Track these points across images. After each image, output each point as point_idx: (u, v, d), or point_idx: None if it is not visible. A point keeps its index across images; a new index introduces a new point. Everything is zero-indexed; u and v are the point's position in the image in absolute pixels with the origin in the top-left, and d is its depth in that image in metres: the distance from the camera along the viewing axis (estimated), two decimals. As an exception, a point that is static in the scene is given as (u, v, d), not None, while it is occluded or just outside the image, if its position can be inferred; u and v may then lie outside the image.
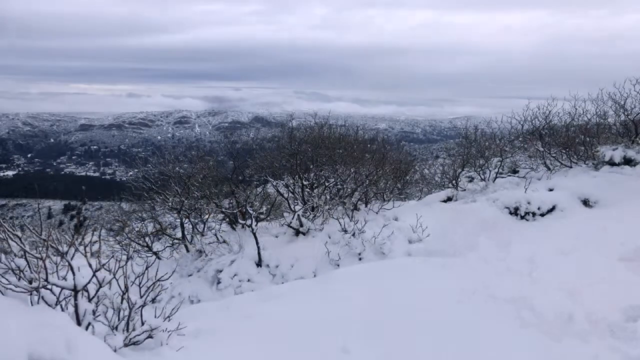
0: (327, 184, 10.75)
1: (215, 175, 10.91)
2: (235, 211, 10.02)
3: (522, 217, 9.04)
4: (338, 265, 8.00)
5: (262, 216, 9.85)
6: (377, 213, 10.34)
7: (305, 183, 10.24)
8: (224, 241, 9.06)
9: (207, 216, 10.63)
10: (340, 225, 8.79)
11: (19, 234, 4.05)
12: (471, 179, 12.92)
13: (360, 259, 8.14)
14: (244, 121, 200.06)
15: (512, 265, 6.21)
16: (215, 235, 9.41)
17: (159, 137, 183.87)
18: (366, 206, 10.92)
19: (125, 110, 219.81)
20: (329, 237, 8.77)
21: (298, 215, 9.09)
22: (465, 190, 11.73)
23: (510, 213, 9.18)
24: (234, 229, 10.39)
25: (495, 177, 11.92)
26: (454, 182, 12.10)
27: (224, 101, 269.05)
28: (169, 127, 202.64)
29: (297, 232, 9.24)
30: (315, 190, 10.59)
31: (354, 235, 8.47)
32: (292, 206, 9.66)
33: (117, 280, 4.12)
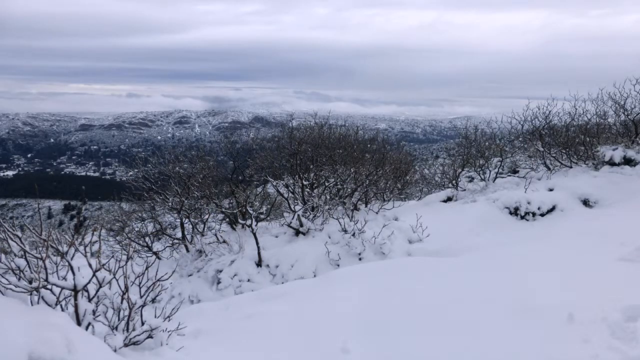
0: (327, 184, 10.75)
1: (216, 175, 10.91)
2: (235, 211, 10.01)
3: (522, 217, 9.05)
4: (338, 265, 8.01)
5: (262, 216, 9.85)
6: (377, 213, 10.35)
7: (305, 183, 10.24)
8: (224, 241, 9.07)
9: (207, 216, 10.63)
10: (340, 225, 8.79)
11: (19, 234, 4.04)
12: (471, 179, 12.92)
13: (360, 259, 8.15)
14: (244, 121, 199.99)
15: (512, 265, 6.20)
16: (215, 235, 9.42)
17: (159, 137, 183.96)
18: (366, 206, 10.93)
19: (125, 110, 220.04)
20: (329, 237, 8.78)
21: (298, 215, 9.09)
22: (465, 190, 11.74)
23: (510, 213, 9.18)
24: (234, 229, 10.39)
25: (495, 177, 11.92)
26: (454, 182, 12.09)
27: (224, 101, 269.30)
28: (169, 127, 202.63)
29: (297, 232, 9.25)
30: (315, 190, 10.59)
31: (354, 235, 8.48)
32: (292, 206, 9.66)
33: (117, 280, 4.11)
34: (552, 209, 9.06)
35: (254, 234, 8.43)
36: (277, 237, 9.47)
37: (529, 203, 9.06)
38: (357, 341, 4.42)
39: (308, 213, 9.83)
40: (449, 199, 11.30)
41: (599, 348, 3.96)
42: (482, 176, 12.04)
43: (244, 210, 9.39)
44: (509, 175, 12.17)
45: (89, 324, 3.84)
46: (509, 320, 4.59)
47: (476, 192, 11.42)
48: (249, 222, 8.44)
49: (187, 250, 9.63)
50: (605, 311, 4.39)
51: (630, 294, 4.68)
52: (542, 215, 9.00)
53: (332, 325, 4.80)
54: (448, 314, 4.81)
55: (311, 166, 10.88)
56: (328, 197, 10.58)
